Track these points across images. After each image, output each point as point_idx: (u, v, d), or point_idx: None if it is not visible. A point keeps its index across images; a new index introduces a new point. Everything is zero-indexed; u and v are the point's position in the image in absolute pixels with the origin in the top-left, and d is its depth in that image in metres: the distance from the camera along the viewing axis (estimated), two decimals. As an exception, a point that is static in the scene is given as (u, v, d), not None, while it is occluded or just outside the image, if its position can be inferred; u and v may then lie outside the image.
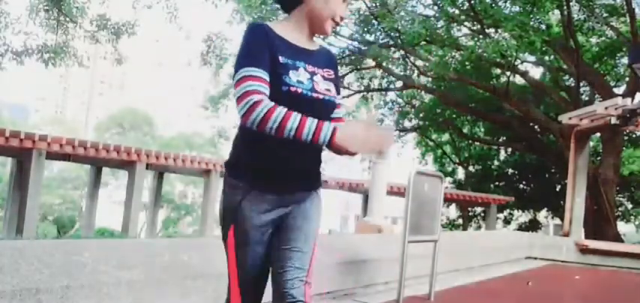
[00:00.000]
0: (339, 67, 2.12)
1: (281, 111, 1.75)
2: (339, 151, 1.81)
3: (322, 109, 1.93)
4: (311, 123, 1.76)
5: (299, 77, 1.88)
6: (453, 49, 15.90)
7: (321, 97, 1.92)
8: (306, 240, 1.94)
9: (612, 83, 17.35)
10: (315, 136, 1.76)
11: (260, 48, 1.85)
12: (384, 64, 16.50)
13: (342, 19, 1.99)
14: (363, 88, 19.66)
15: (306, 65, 1.92)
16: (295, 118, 1.75)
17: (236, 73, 1.83)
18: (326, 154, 2.04)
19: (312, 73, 1.93)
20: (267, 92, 1.80)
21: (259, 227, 1.93)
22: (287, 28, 1.96)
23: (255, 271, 1.96)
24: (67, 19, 12.42)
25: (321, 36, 2.09)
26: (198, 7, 13.44)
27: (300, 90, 1.86)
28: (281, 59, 1.86)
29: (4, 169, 31.85)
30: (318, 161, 2.03)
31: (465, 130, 22.77)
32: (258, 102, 1.76)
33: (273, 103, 1.77)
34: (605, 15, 15.18)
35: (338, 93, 2.03)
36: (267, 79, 1.82)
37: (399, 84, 18.94)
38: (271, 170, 1.91)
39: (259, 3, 14.33)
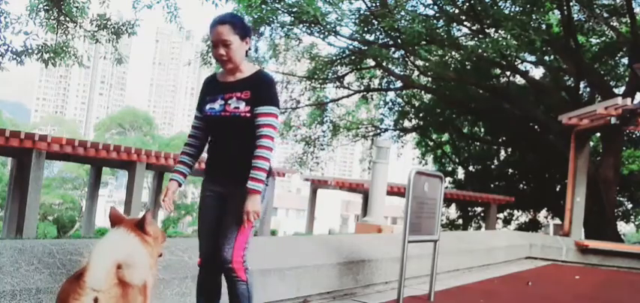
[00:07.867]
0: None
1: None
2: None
3: (228, 123, 2.79)
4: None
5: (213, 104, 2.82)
6: (453, 49, 15.88)
7: (228, 114, 2.76)
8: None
9: (612, 83, 17.33)
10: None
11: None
12: (384, 64, 16.47)
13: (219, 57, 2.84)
14: (363, 88, 19.64)
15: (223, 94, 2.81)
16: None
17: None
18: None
19: (227, 99, 2.78)
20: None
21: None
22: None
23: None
24: (67, 19, 12.39)
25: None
26: (198, 7, 13.40)
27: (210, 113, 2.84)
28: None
29: (4, 169, 31.87)
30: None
31: (465, 130, 22.73)
32: None
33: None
34: (605, 15, 15.17)
35: (261, 103, 2.74)
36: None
37: (399, 84, 18.93)
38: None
39: (259, 3, 14.29)
